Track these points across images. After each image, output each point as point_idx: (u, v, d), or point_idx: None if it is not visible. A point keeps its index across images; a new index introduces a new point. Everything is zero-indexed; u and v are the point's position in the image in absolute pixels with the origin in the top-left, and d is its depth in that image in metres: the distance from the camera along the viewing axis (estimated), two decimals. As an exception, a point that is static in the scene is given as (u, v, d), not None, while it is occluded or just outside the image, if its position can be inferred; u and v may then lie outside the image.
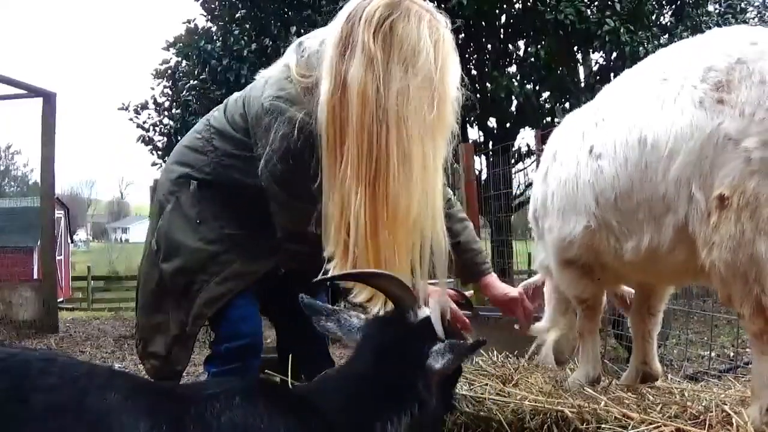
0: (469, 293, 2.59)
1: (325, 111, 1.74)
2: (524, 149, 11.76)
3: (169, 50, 11.95)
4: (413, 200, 1.71)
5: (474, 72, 11.17)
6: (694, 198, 1.64)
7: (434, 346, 1.45)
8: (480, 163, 10.12)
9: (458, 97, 1.81)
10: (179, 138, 12.18)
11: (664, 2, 11.03)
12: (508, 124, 11.23)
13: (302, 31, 10.22)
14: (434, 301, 1.52)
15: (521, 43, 11.30)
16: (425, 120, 1.71)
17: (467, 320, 2.30)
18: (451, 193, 2.42)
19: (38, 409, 1.12)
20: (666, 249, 1.76)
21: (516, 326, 2.60)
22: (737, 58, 1.64)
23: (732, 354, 5.21)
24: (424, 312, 1.54)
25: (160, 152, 12.06)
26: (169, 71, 12.22)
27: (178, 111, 11.82)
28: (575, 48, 10.47)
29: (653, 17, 10.37)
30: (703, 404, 1.88)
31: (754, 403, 1.69)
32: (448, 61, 1.77)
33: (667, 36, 10.15)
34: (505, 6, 10.18)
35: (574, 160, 2.01)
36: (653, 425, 1.72)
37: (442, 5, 10.01)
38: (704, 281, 1.85)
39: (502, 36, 10.96)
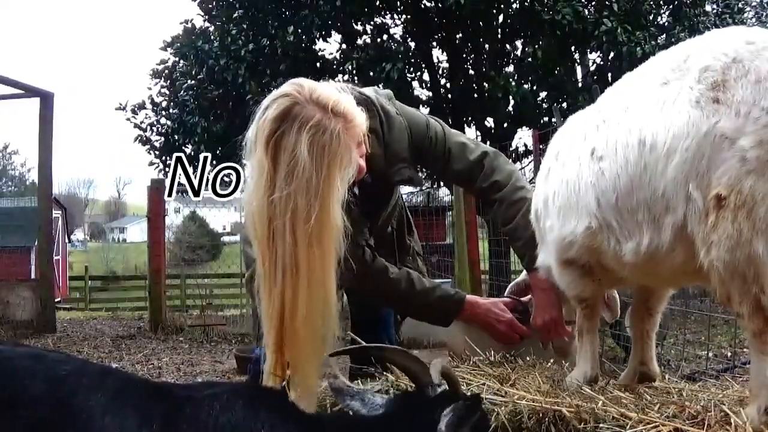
0: (526, 299, 2.61)
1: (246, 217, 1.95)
2: (522, 149, 11.78)
3: (166, 50, 11.95)
4: (308, 304, 1.81)
5: (471, 72, 11.18)
6: (691, 197, 1.64)
7: (444, 410, 1.43)
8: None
9: (345, 194, 1.87)
10: (176, 138, 12.16)
11: (661, 2, 11.04)
12: (505, 124, 11.23)
13: (299, 31, 10.22)
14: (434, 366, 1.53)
15: (518, 43, 11.30)
16: (310, 226, 1.79)
17: (525, 329, 2.45)
18: (479, 148, 2.49)
19: (25, 409, 1.11)
20: (665, 250, 1.75)
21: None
22: (733, 58, 1.63)
23: (729, 354, 5.21)
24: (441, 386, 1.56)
25: (157, 152, 12.03)
26: (167, 71, 12.21)
27: (176, 111, 11.81)
28: (572, 48, 10.48)
29: (650, 17, 10.39)
30: (701, 404, 1.87)
31: (753, 402, 1.68)
32: (334, 162, 1.83)
33: (664, 36, 10.16)
34: (502, 6, 10.18)
35: (576, 161, 2.01)
36: (651, 425, 1.71)
37: (440, 5, 10.04)
38: (703, 282, 1.84)
39: (499, 36, 10.95)
